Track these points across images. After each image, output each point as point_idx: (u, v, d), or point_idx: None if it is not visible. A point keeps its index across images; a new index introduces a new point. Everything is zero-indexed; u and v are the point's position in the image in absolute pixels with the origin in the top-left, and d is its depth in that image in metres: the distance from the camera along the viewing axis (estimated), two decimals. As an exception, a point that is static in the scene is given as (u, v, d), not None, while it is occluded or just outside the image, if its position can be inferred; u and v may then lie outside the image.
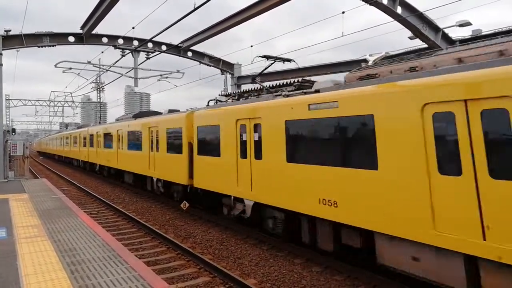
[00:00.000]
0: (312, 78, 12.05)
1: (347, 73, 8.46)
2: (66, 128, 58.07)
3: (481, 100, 5.25)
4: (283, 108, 8.74)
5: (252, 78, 12.74)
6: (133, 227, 12.51)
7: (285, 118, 8.60)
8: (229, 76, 29.14)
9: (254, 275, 8.01)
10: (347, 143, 7.15)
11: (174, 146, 14.21)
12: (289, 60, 11.35)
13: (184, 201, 13.49)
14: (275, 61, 11.16)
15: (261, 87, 11.47)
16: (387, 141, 6.33)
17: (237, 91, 14.03)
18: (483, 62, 5.61)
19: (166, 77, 27.03)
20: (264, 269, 8.32)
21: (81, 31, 22.56)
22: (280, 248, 9.58)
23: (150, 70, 26.09)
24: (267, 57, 11.01)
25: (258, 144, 9.61)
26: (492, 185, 5.10)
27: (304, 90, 8.98)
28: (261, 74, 12.66)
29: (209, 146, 11.88)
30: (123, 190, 21.22)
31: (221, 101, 13.00)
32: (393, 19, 17.10)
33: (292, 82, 10.25)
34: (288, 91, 9.66)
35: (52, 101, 55.49)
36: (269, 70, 12.43)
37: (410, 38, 19.36)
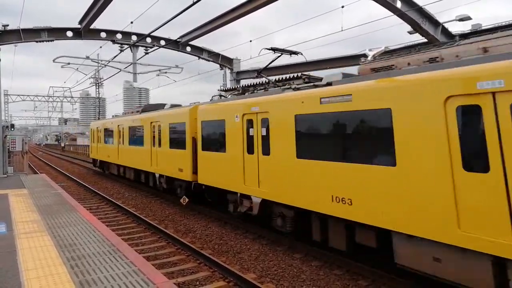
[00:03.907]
0: (312, 73, 12.00)
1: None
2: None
3: None
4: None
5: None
6: (132, 222, 12.53)
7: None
8: (228, 71, 29.03)
9: (254, 269, 8.04)
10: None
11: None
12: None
13: (184, 196, 13.50)
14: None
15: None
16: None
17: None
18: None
19: (165, 72, 26.95)
20: (263, 263, 8.35)
21: (79, 26, 22.44)
22: (279, 243, 9.61)
23: (149, 65, 26.01)
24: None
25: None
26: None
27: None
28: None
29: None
30: (122, 185, 21.24)
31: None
32: (393, 14, 17.03)
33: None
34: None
35: (50, 96, 55.44)
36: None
37: (410, 32, 19.29)
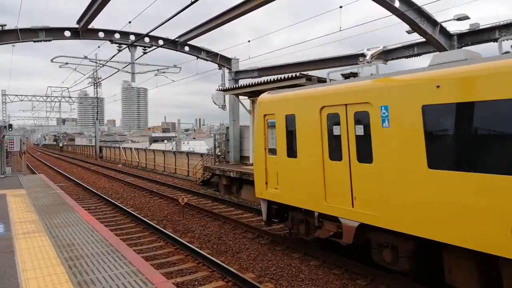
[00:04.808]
0: (310, 73, 12.01)
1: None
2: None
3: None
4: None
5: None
6: (131, 222, 12.50)
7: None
8: (226, 70, 28.98)
9: (253, 269, 8.03)
10: None
11: None
12: None
13: (183, 196, 13.49)
14: None
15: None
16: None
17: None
18: None
19: (164, 72, 26.91)
20: (262, 263, 8.35)
21: (77, 26, 22.37)
22: (278, 243, 9.60)
23: (147, 65, 25.95)
24: None
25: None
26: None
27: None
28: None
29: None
30: (121, 185, 21.20)
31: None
32: (391, 13, 17.03)
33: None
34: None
35: (48, 96, 55.30)
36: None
37: (408, 32, 19.29)
